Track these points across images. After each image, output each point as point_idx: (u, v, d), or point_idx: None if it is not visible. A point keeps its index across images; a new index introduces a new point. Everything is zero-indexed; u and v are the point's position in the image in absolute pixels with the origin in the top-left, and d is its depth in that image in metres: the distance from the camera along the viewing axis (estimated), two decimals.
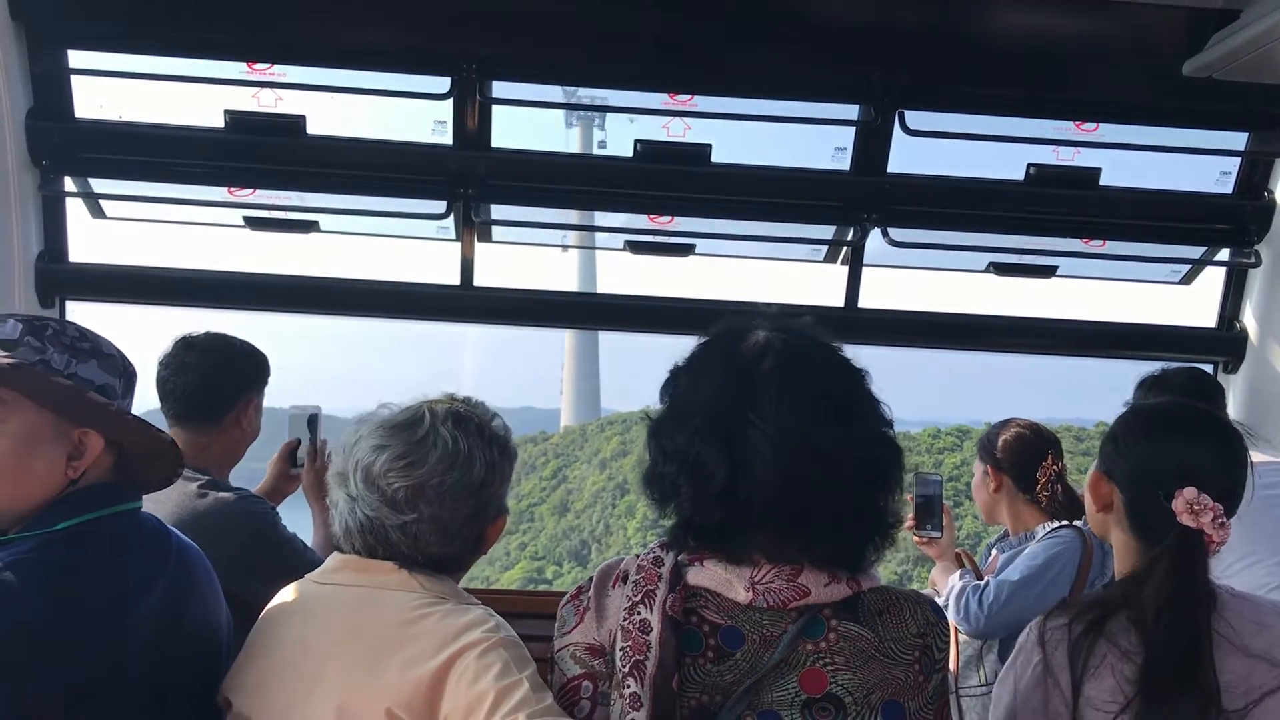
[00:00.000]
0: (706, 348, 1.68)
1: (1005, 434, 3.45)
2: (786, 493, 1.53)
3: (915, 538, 3.47)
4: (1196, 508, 1.85)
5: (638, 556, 1.64)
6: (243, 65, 3.57)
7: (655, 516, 1.65)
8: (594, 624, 1.62)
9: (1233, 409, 4.08)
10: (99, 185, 3.76)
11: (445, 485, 1.80)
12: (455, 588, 1.86)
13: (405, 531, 1.79)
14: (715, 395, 1.58)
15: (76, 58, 3.57)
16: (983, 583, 3.24)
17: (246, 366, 2.93)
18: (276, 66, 3.56)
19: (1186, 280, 4.17)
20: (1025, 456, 3.40)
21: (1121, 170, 3.87)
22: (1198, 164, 4.00)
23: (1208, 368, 4.06)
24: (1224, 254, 4.09)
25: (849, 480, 1.56)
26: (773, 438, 1.52)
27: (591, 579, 1.68)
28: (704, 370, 1.64)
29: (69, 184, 3.71)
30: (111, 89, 3.67)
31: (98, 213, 3.80)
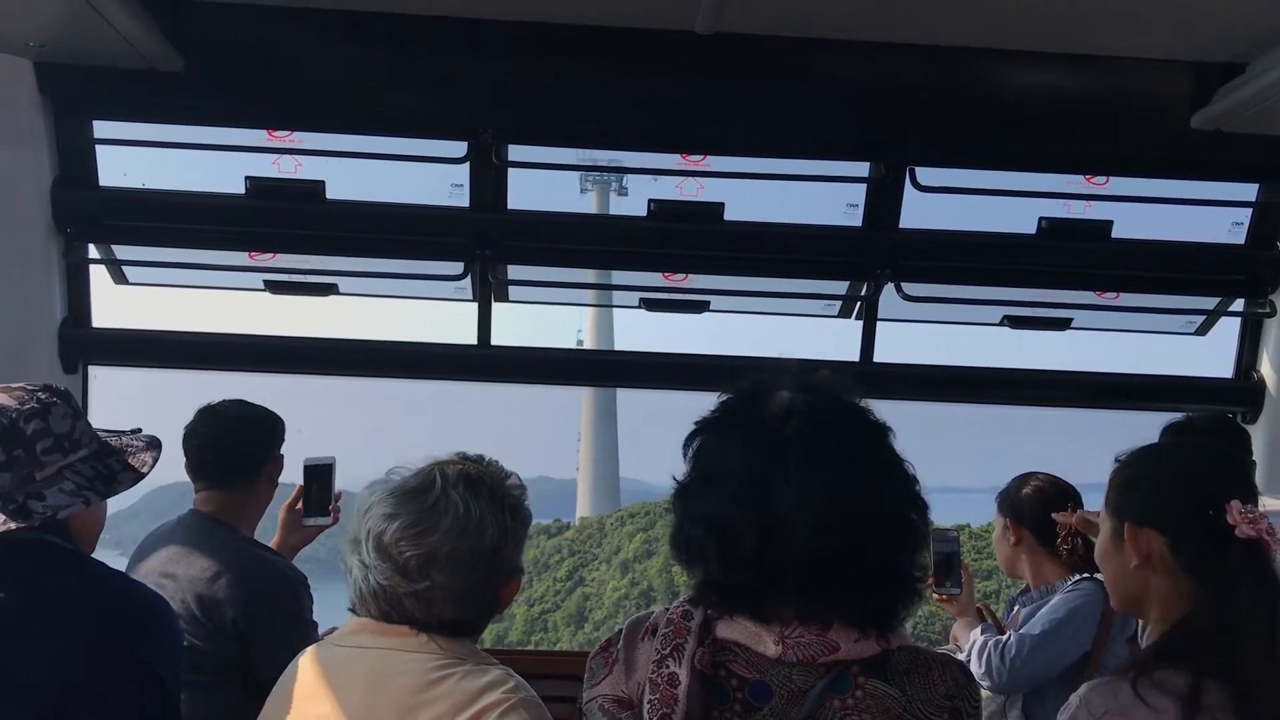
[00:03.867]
0: (729, 409, 1.68)
1: (1025, 488, 3.44)
2: (816, 557, 1.52)
3: (935, 595, 3.45)
4: (1251, 516, 1.79)
5: (667, 609, 1.65)
6: (263, 132, 3.64)
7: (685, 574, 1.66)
8: (623, 676, 1.62)
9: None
10: (122, 251, 3.82)
11: (457, 552, 1.79)
12: (473, 648, 1.85)
13: (419, 599, 1.79)
14: (742, 461, 1.58)
15: (101, 127, 3.65)
16: (1004, 637, 3.21)
17: (268, 428, 3.11)
18: (296, 133, 3.63)
19: (1201, 331, 4.17)
20: (1045, 510, 3.38)
21: (1133, 223, 3.89)
22: (1209, 215, 4.02)
23: None
24: (1239, 304, 4.09)
25: (877, 541, 1.56)
26: (801, 504, 1.53)
27: (621, 631, 1.68)
28: (729, 434, 1.64)
29: (92, 250, 3.77)
30: (135, 157, 3.75)
31: (120, 279, 3.86)
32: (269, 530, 3.21)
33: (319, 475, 3.23)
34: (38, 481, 1.93)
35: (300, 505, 3.22)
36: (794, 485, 1.53)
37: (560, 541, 54.03)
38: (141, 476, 2.10)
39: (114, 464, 2.07)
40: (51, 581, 1.91)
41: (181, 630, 2.10)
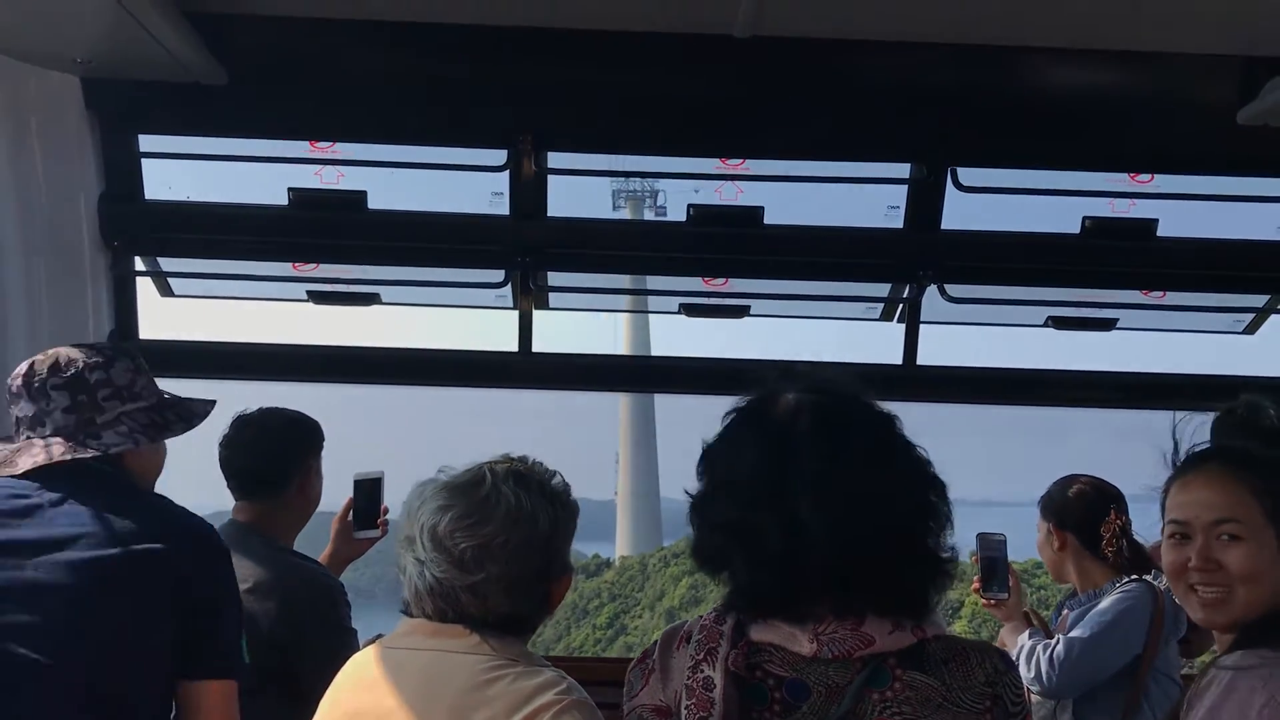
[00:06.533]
0: (738, 420, 1.71)
1: (1068, 491, 3.41)
2: (841, 550, 1.54)
3: (982, 600, 3.43)
4: None
5: (701, 618, 1.66)
6: (305, 144, 3.67)
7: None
8: (659, 685, 1.64)
9: None
10: (168, 264, 3.87)
11: (511, 543, 1.82)
12: (525, 650, 1.86)
13: (474, 592, 1.81)
14: (756, 464, 1.61)
15: (146, 141, 3.69)
16: (1053, 641, 3.18)
17: (301, 435, 3.13)
18: (338, 144, 3.66)
19: (1250, 330, 4.11)
20: (1089, 513, 3.36)
21: (1179, 220, 3.83)
22: (1257, 212, 3.95)
23: None
24: None
25: (901, 525, 1.58)
26: (820, 500, 1.54)
27: (657, 642, 1.69)
28: (740, 441, 1.67)
29: (139, 263, 3.82)
30: (179, 170, 3.80)
31: (166, 291, 3.91)
32: (323, 543, 3.25)
33: (368, 489, 3.28)
34: (97, 424, 2.24)
35: (350, 517, 3.25)
36: (811, 482, 1.56)
37: (600, 584, 51.32)
38: (191, 426, 2.40)
39: (170, 416, 2.37)
40: (102, 497, 2.17)
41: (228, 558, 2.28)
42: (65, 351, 2.28)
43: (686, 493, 1.69)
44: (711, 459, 1.69)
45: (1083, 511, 3.36)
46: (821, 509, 1.54)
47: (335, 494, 3.30)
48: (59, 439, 2.21)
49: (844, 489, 1.55)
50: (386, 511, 3.27)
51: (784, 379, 1.70)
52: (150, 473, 2.40)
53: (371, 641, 2.24)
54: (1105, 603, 3.24)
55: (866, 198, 3.91)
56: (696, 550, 1.68)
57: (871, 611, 1.56)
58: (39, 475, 2.17)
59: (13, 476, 2.17)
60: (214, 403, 2.48)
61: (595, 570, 52.78)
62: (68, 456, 2.18)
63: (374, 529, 3.25)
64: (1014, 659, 3.15)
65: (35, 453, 2.19)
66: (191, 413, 2.42)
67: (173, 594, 2.12)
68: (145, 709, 2.13)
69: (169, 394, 2.42)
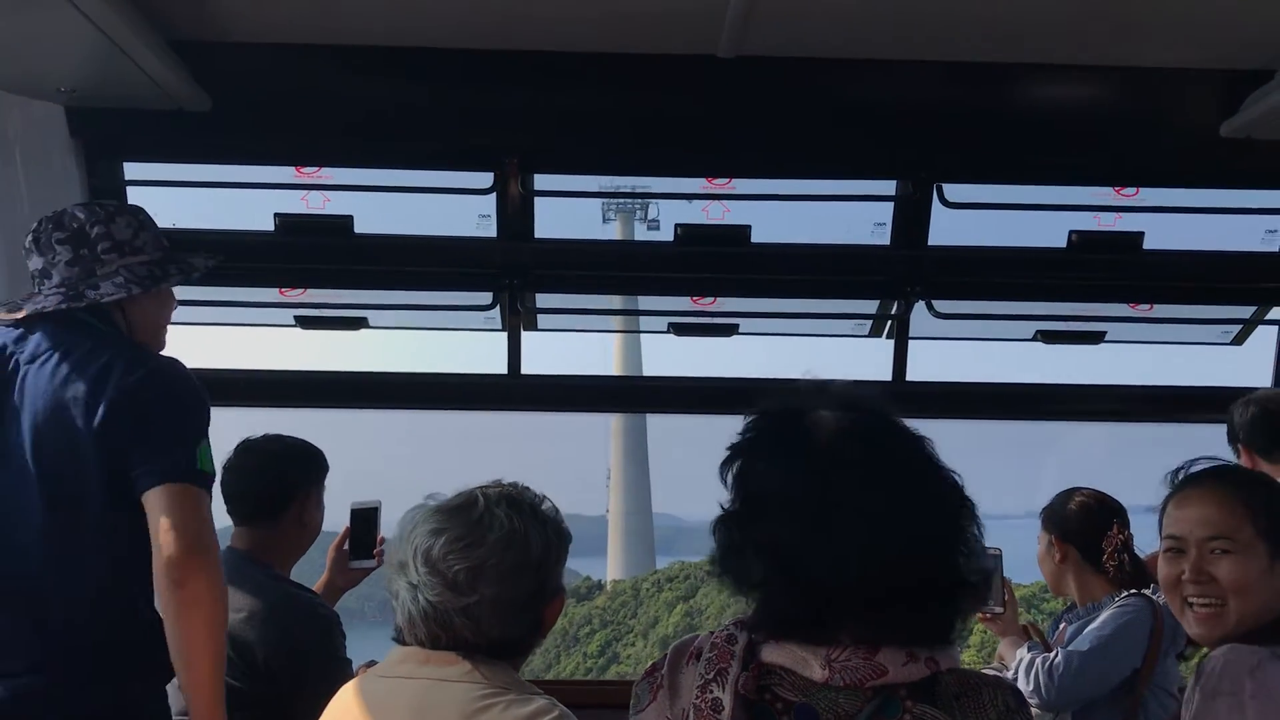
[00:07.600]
0: (770, 430, 1.65)
1: (1069, 503, 3.40)
2: (881, 575, 1.50)
3: (978, 614, 3.41)
4: None
5: (712, 634, 1.62)
6: (291, 169, 3.66)
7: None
8: (667, 702, 1.60)
9: None
10: None
11: (504, 564, 1.81)
12: (517, 678, 1.84)
13: (468, 615, 1.79)
14: (799, 485, 1.56)
15: (131, 169, 3.68)
16: (1052, 654, 3.17)
17: (301, 464, 3.08)
18: (324, 169, 3.65)
19: (1238, 341, 4.12)
20: (1091, 526, 3.34)
21: (1165, 233, 3.84)
22: (1242, 224, 3.98)
23: None
24: (1275, 312, 4.04)
25: (933, 549, 1.54)
26: (856, 517, 1.50)
27: (666, 656, 1.66)
28: (775, 456, 1.61)
29: None
30: (165, 197, 3.77)
31: None
32: (319, 571, 3.22)
33: (365, 519, 3.24)
34: (97, 276, 2.46)
35: (347, 546, 3.23)
36: (845, 502, 1.51)
37: (590, 610, 49.25)
38: (188, 278, 2.63)
39: (171, 269, 2.58)
40: (70, 345, 2.39)
41: (201, 402, 2.52)
42: (71, 209, 2.53)
43: (720, 505, 1.63)
44: (741, 471, 1.63)
45: (1085, 524, 3.35)
46: (855, 530, 1.50)
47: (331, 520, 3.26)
48: (60, 290, 2.45)
49: (879, 511, 1.51)
50: (383, 541, 3.23)
51: (816, 394, 1.64)
52: (150, 323, 2.61)
53: (364, 668, 2.23)
54: (1104, 616, 3.22)
55: (853, 215, 3.92)
56: (725, 566, 1.62)
57: (889, 639, 1.52)
58: (35, 322, 2.43)
59: (13, 321, 2.45)
60: (216, 258, 2.73)
61: (586, 594, 51.23)
62: (64, 306, 2.43)
63: (370, 559, 3.21)
64: (1013, 672, 3.17)
65: (38, 301, 2.45)
66: (191, 267, 2.63)
67: (93, 433, 2.31)
68: (92, 516, 2.34)
69: (174, 252, 2.64)
